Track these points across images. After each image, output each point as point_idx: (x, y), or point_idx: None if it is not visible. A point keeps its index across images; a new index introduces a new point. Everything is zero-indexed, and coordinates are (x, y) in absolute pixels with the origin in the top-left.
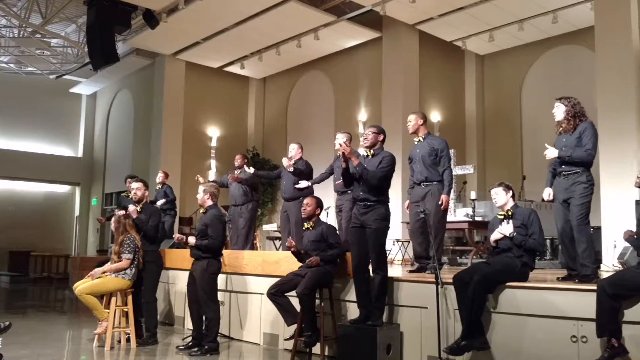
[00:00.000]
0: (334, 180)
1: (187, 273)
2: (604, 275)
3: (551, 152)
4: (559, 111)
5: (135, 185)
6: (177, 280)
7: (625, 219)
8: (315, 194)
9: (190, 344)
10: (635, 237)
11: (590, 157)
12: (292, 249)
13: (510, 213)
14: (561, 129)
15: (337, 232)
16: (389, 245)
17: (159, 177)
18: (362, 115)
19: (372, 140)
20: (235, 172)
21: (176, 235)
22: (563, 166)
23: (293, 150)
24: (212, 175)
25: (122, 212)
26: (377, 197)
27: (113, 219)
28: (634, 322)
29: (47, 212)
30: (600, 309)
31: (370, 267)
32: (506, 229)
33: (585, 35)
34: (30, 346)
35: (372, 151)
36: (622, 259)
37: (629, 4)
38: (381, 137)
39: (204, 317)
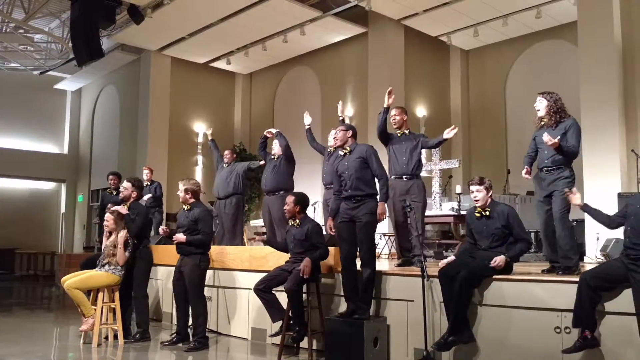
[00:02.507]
0: (324, 174)
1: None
2: (587, 267)
3: (546, 137)
4: (542, 105)
5: (124, 184)
6: (165, 277)
7: (608, 211)
8: (300, 189)
9: (174, 339)
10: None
11: (575, 151)
12: (263, 241)
13: (487, 213)
14: (543, 123)
15: (323, 227)
16: (376, 239)
17: (146, 173)
18: (349, 110)
19: (341, 139)
20: (224, 165)
21: (162, 228)
22: (546, 161)
23: (276, 146)
24: (198, 170)
25: (121, 208)
26: (366, 192)
27: (107, 216)
28: (612, 312)
29: (32, 209)
30: (580, 300)
31: (357, 261)
32: (500, 260)
33: (568, 30)
34: (17, 344)
35: (347, 148)
36: (605, 251)
37: None
38: (349, 133)
39: (190, 313)
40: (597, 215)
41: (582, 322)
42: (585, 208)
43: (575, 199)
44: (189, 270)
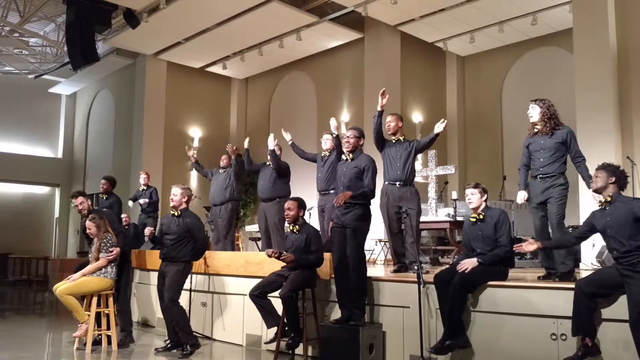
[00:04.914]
0: (318, 181)
1: None
2: (583, 274)
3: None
4: (535, 112)
5: (77, 201)
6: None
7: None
8: (296, 195)
9: (169, 345)
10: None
11: (584, 160)
12: (274, 256)
13: (482, 216)
14: (536, 130)
15: (320, 233)
16: (372, 245)
17: (143, 178)
18: (345, 115)
19: (354, 145)
20: (220, 171)
21: (148, 229)
22: (540, 169)
23: None
24: (193, 175)
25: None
26: (357, 201)
27: (87, 224)
28: (611, 319)
29: (26, 213)
30: (577, 308)
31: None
32: (469, 263)
33: (563, 37)
34: (9, 349)
35: (351, 155)
36: (601, 258)
37: (606, 7)
38: (362, 141)
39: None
40: (562, 242)
41: (581, 330)
42: (547, 245)
43: (529, 246)
44: (171, 275)
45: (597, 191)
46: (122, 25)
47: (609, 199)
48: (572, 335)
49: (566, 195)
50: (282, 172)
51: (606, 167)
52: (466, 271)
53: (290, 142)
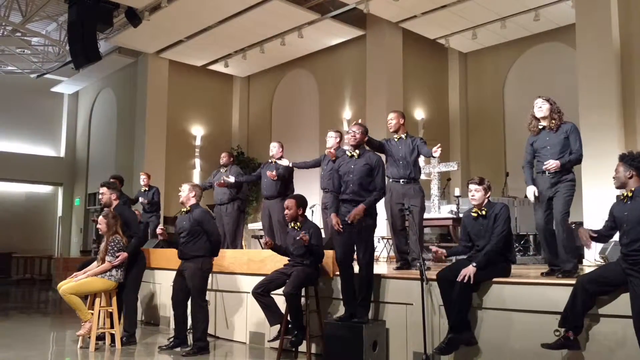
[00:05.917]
0: (321, 179)
1: (172, 272)
2: (586, 270)
3: (552, 164)
4: (545, 107)
5: (100, 190)
6: (162, 280)
7: (606, 214)
8: (299, 192)
9: (172, 343)
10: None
11: (579, 156)
12: (269, 246)
13: (483, 212)
14: (541, 126)
15: (322, 230)
16: (375, 242)
17: (143, 179)
18: (347, 113)
19: (359, 140)
20: (222, 170)
21: (160, 228)
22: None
23: (274, 149)
24: (196, 174)
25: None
26: (365, 197)
27: (99, 219)
28: (604, 315)
29: (29, 212)
30: (573, 303)
31: (355, 265)
32: (469, 271)
33: (566, 33)
34: (13, 348)
35: (357, 151)
36: (604, 254)
37: (609, 2)
38: (366, 137)
39: (190, 317)
40: (602, 239)
41: (568, 324)
42: (596, 240)
43: (589, 243)
44: (190, 274)
45: (619, 188)
46: (124, 24)
47: (630, 193)
48: (558, 327)
49: (573, 192)
50: (286, 179)
51: (624, 159)
52: (464, 280)
53: (291, 165)
